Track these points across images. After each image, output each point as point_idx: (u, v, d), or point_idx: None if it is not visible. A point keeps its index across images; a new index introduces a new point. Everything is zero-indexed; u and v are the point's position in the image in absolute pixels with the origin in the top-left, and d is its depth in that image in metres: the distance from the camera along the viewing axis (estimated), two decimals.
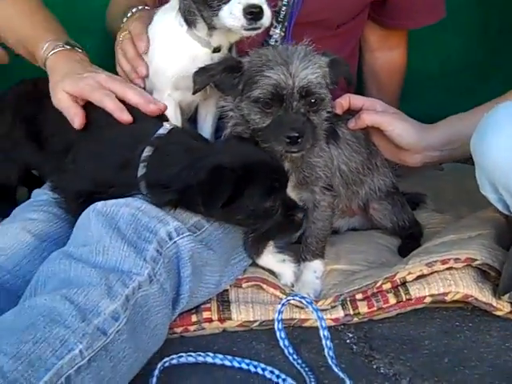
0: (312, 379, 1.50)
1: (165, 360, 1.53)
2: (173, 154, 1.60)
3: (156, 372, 1.49)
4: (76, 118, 1.68)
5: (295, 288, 1.77)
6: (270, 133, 1.64)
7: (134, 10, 1.95)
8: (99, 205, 1.57)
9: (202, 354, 1.57)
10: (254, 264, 1.80)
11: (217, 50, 1.74)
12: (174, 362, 1.55)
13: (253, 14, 1.59)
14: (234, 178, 1.53)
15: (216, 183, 1.53)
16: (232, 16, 1.60)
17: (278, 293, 1.73)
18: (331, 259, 1.85)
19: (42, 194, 1.81)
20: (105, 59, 2.11)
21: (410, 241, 1.94)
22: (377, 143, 1.92)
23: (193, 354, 1.56)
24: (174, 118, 1.78)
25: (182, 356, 1.56)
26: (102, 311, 1.38)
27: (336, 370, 1.51)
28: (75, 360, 1.30)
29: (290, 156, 1.69)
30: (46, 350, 1.28)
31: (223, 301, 1.72)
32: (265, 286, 1.74)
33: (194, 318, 1.66)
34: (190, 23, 1.72)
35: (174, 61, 1.74)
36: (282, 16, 1.95)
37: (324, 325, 1.57)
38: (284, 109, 1.62)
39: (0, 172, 1.98)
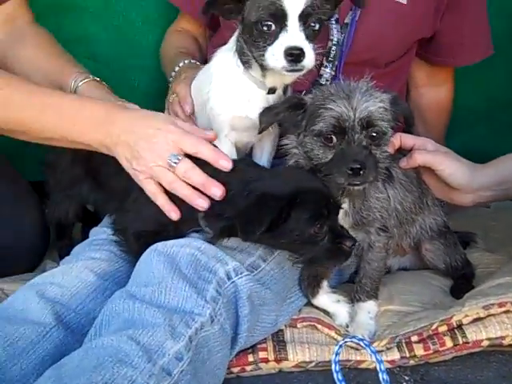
0: None
1: None
2: (228, 182, 1.63)
3: None
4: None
5: (350, 329, 1.77)
6: (332, 166, 1.65)
7: (181, 65, 2.04)
8: (160, 246, 1.60)
9: None
10: (309, 304, 1.82)
11: (271, 91, 1.77)
12: None
13: (293, 55, 1.62)
14: (277, 206, 1.55)
15: (257, 210, 1.55)
16: (274, 57, 1.63)
17: (333, 333, 1.74)
18: (384, 299, 1.85)
19: (102, 233, 1.85)
20: (156, 97, 2.19)
21: (462, 281, 1.94)
22: (428, 182, 1.92)
23: None
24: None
25: None
26: (167, 352, 1.40)
27: None
28: None
29: (352, 190, 1.69)
30: None
31: (279, 340, 1.73)
32: (320, 327, 1.75)
33: (250, 358, 1.67)
34: (245, 64, 1.76)
35: (231, 101, 1.77)
36: (332, 56, 1.98)
37: (383, 368, 1.56)
38: (346, 142, 1.64)
39: (58, 210, 2.02)
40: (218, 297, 1.54)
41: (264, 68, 1.71)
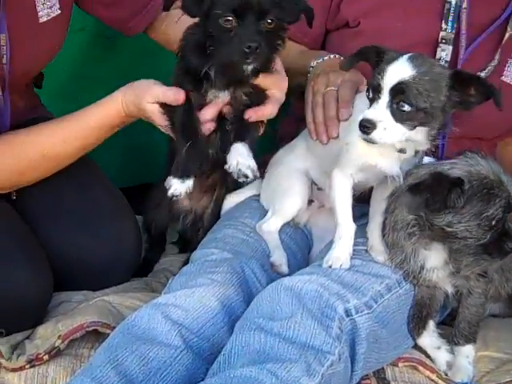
0: None
1: None
2: None
3: None
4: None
5: (449, 373, 1.82)
6: (488, 247, 1.68)
7: (325, 58, 2.01)
8: (286, 280, 1.65)
9: None
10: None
11: (402, 151, 1.77)
12: None
13: (363, 126, 1.66)
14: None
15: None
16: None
17: (434, 377, 1.78)
18: (479, 345, 1.89)
19: (210, 254, 1.88)
20: None
21: None
22: None
23: None
24: (346, 198, 1.82)
25: None
26: None
27: None
28: None
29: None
30: None
31: (380, 377, 1.77)
32: (421, 368, 1.79)
33: None
34: None
35: (366, 148, 1.75)
36: None
37: None
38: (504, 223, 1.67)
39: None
40: (341, 334, 1.59)
41: None
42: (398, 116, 1.65)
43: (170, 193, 1.78)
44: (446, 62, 2.03)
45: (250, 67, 1.76)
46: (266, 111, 1.87)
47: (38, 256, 1.95)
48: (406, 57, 1.66)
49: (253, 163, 1.79)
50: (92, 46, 2.61)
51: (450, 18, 2.03)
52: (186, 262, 2.10)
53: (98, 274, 2.04)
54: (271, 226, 2.00)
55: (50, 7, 1.94)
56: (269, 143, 2.37)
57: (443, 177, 1.68)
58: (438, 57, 2.04)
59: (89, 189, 2.12)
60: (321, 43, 2.26)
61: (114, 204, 2.14)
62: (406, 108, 1.64)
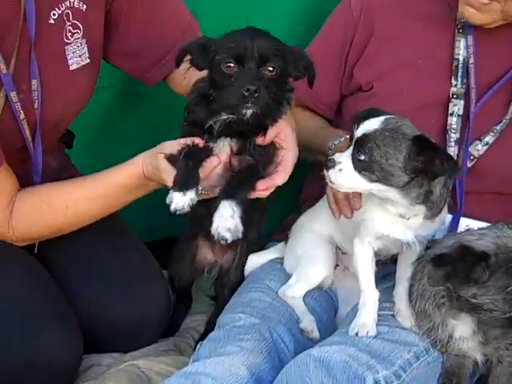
0: None
1: None
2: None
3: None
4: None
5: None
6: None
7: (345, 138, 2.00)
8: (315, 351, 1.67)
9: None
10: None
11: (403, 216, 1.79)
12: None
13: (327, 162, 1.75)
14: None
15: None
16: None
17: None
18: None
19: (237, 320, 1.89)
20: None
21: None
22: None
23: None
24: (368, 266, 1.86)
25: None
26: None
27: None
28: None
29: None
30: None
31: None
32: None
33: None
34: None
35: (380, 219, 1.82)
36: None
37: None
38: None
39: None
40: None
41: None
42: (356, 164, 1.72)
43: (172, 208, 1.74)
44: (458, 115, 2.08)
45: (249, 111, 1.77)
46: (277, 181, 1.86)
47: (69, 318, 1.96)
48: (382, 117, 1.74)
49: (233, 225, 1.75)
50: (121, 103, 2.65)
51: (460, 74, 2.08)
52: (210, 322, 2.13)
53: (127, 334, 2.05)
54: (296, 292, 2.02)
55: (80, 56, 2.00)
56: (292, 203, 2.40)
57: (468, 251, 1.68)
58: (450, 111, 2.08)
59: (120, 248, 2.15)
60: (335, 109, 2.31)
61: (145, 265, 2.16)
62: (362, 157, 1.71)
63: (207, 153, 1.82)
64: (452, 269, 1.66)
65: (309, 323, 1.96)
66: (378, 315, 1.85)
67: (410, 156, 1.69)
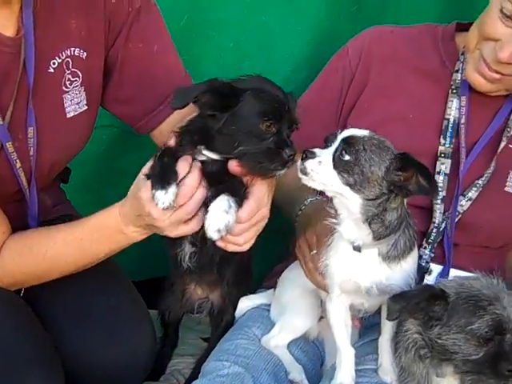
0: None
1: None
2: None
3: None
4: None
5: None
6: (482, 365, 1.68)
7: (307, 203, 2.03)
8: None
9: None
10: None
11: (356, 248, 1.79)
12: None
13: (305, 153, 1.73)
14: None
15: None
16: None
17: None
18: None
19: (222, 368, 1.90)
20: None
21: None
22: None
23: None
24: (340, 323, 1.88)
25: None
26: None
27: None
28: None
29: None
30: None
31: None
32: None
33: None
34: None
35: (339, 264, 1.83)
36: (432, 238, 2.09)
37: None
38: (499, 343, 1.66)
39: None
40: None
41: None
42: (338, 163, 1.71)
43: (160, 207, 1.69)
44: (445, 174, 2.10)
45: (282, 172, 1.75)
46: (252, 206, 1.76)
47: (53, 362, 1.94)
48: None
49: (222, 224, 1.70)
50: (119, 141, 2.69)
51: (449, 134, 2.11)
52: (197, 367, 2.14)
53: (112, 379, 2.05)
54: (279, 341, 2.04)
55: (78, 103, 1.99)
56: (283, 250, 2.41)
57: (426, 289, 1.74)
58: (437, 170, 2.10)
59: (109, 292, 2.14)
60: None
61: (133, 309, 2.16)
62: (347, 157, 1.71)
63: (180, 153, 1.78)
64: (406, 303, 1.69)
65: (298, 374, 1.98)
66: (360, 370, 1.87)
67: (392, 170, 1.71)
